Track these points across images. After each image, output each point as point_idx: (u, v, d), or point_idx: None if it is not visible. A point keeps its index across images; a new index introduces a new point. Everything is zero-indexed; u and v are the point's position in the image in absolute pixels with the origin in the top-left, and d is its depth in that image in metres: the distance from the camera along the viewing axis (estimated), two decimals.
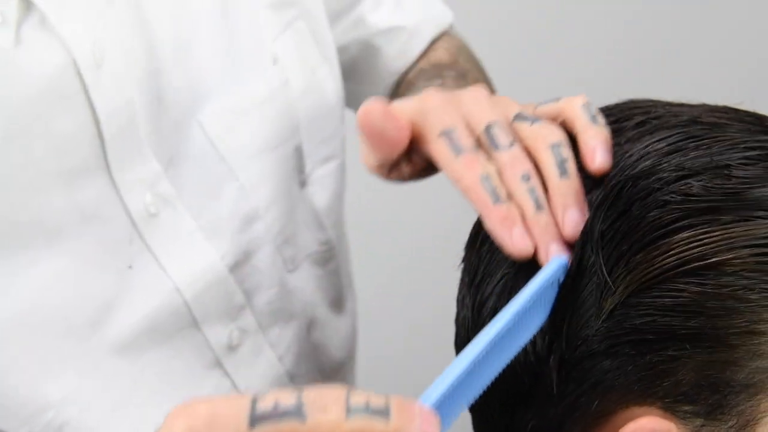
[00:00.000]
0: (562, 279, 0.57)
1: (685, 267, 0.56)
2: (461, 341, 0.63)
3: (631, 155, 0.59)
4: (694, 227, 0.56)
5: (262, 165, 0.83)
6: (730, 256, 0.56)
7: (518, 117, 0.60)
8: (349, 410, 0.43)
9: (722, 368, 0.56)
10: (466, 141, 0.58)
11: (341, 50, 0.95)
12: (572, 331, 0.58)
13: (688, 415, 0.57)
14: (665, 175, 0.57)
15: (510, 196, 0.57)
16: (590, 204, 0.58)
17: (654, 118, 0.61)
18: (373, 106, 0.59)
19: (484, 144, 0.59)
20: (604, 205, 0.58)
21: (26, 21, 0.69)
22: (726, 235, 0.56)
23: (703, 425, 0.57)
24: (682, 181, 0.57)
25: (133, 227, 0.76)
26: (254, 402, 0.43)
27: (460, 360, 0.51)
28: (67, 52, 0.70)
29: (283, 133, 0.85)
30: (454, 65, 0.96)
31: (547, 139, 0.58)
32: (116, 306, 0.76)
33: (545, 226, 0.57)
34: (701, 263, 0.56)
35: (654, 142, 0.59)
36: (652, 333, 0.56)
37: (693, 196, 0.57)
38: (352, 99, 0.98)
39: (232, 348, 0.83)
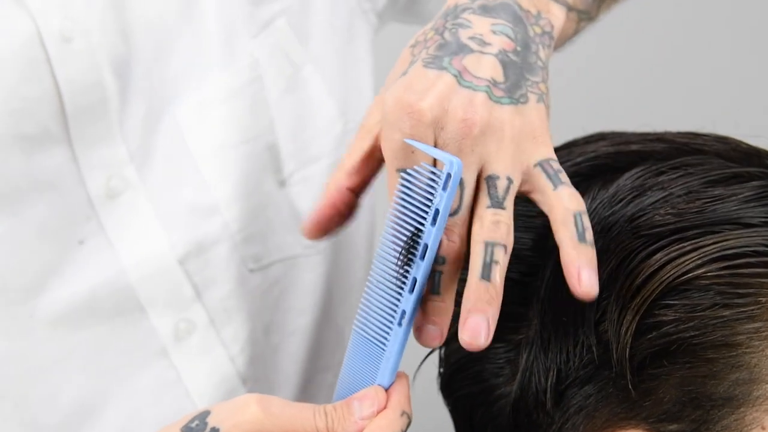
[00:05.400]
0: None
1: (659, 290, 0.57)
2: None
3: (603, 202, 0.61)
4: (665, 248, 0.58)
5: (225, 160, 0.83)
6: (702, 270, 0.57)
7: (489, 182, 0.58)
8: None
9: (702, 383, 0.57)
10: None
11: None
12: (554, 361, 0.59)
13: None
14: (648, 217, 0.59)
15: None
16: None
17: (615, 158, 0.63)
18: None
19: None
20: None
21: None
22: (696, 249, 0.57)
23: None
24: (650, 213, 0.59)
25: (90, 205, 0.78)
26: None
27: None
28: (33, 23, 0.73)
29: (253, 130, 0.84)
30: None
31: (491, 234, 0.57)
32: (57, 276, 0.77)
33: (437, 310, 0.58)
34: (675, 282, 0.57)
35: (622, 185, 0.61)
36: (630, 356, 0.57)
37: (659, 224, 0.59)
38: None
39: (179, 339, 0.82)
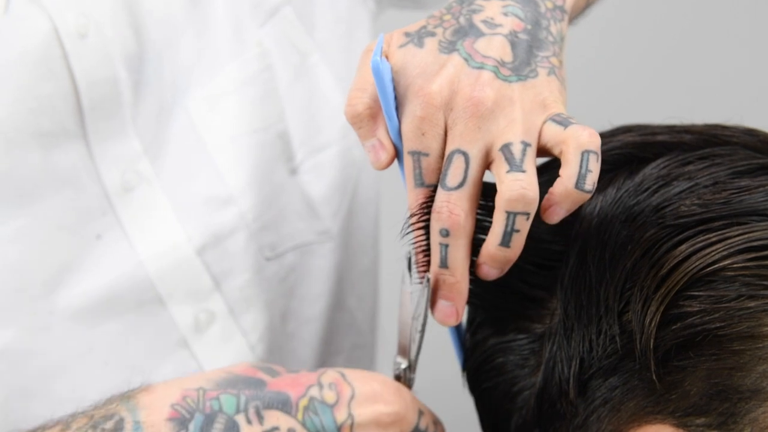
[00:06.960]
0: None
1: (684, 280, 0.56)
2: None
3: (627, 191, 0.60)
4: (691, 238, 0.57)
5: (238, 149, 0.83)
6: (729, 261, 0.56)
7: (505, 150, 0.57)
8: None
9: (729, 375, 0.56)
10: (428, 174, 0.59)
11: None
12: (577, 350, 0.58)
13: (701, 429, 0.56)
14: (674, 207, 0.59)
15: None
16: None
17: (642, 148, 0.62)
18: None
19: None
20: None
21: None
22: (722, 239, 0.56)
23: None
24: (676, 203, 0.58)
25: (107, 199, 0.79)
26: None
27: None
28: (50, 21, 0.74)
29: (265, 119, 0.84)
30: None
31: (512, 204, 0.56)
32: (75, 271, 0.77)
33: (447, 285, 0.59)
34: (701, 273, 0.56)
35: (648, 174, 0.60)
36: (654, 347, 0.56)
37: (685, 215, 0.58)
38: None
39: (199, 329, 0.83)
